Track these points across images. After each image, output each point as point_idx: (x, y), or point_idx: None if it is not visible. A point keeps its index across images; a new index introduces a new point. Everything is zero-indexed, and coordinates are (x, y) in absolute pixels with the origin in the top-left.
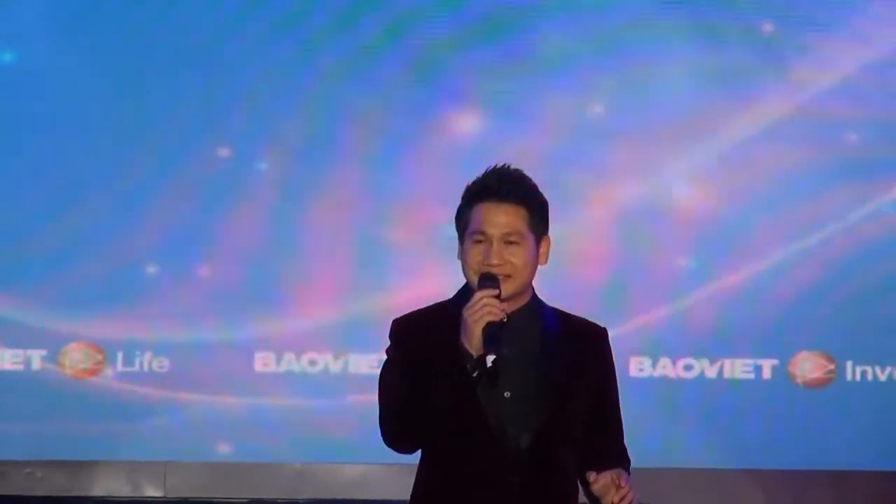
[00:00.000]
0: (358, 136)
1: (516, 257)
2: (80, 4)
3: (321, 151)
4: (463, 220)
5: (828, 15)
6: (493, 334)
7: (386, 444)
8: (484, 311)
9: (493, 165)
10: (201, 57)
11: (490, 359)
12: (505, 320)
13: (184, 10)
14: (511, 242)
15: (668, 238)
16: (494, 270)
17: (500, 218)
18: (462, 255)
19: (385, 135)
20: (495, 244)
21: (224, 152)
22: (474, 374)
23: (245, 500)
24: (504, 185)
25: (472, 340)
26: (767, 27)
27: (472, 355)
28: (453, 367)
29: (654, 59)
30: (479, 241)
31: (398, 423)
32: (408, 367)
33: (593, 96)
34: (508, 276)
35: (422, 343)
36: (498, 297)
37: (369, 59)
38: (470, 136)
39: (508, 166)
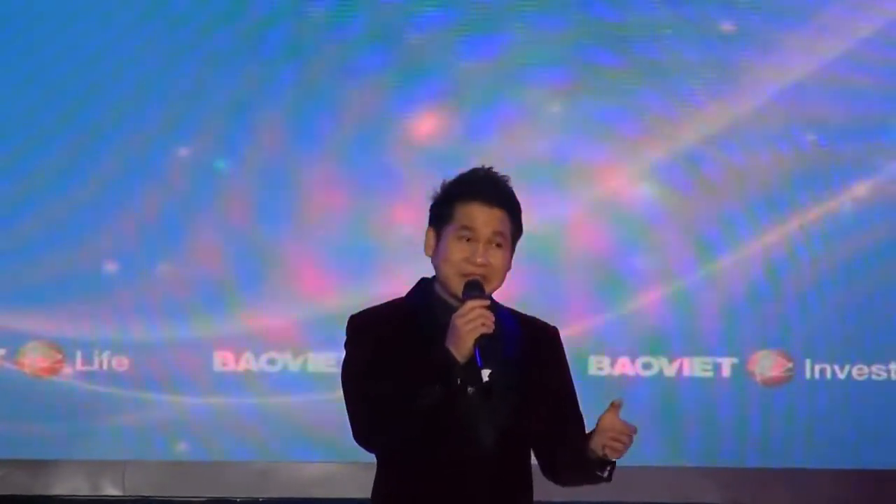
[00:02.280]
0: (316, 137)
1: (497, 259)
2: (42, 2)
3: (278, 151)
4: (445, 215)
5: (787, 15)
6: (488, 347)
7: (359, 443)
8: (478, 321)
9: (479, 167)
10: (160, 56)
11: (486, 373)
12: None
13: (143, 11)
14: (497, 244)
15: (628, 237)
16: (477, 271)
17: (491, 219)
18: (441, 249)
19: (343, 136)
20: (482, 244)
21: (183, 151)
22: (458, 381)
23: (205, 499)
24: (495, 191)
25: (462, 349)
26: (727, 27)
27: (458, 362)
28: (439, 372)
29: (612, 59)
30: (467, 239)
31: (378, 424)
32: (377, 364)
33: (550, 96)
34: (486, 279)
35: (385, 340)
36: (489, 307)
37: (327, 60)
38: (428, 138)
39: (494, 171)
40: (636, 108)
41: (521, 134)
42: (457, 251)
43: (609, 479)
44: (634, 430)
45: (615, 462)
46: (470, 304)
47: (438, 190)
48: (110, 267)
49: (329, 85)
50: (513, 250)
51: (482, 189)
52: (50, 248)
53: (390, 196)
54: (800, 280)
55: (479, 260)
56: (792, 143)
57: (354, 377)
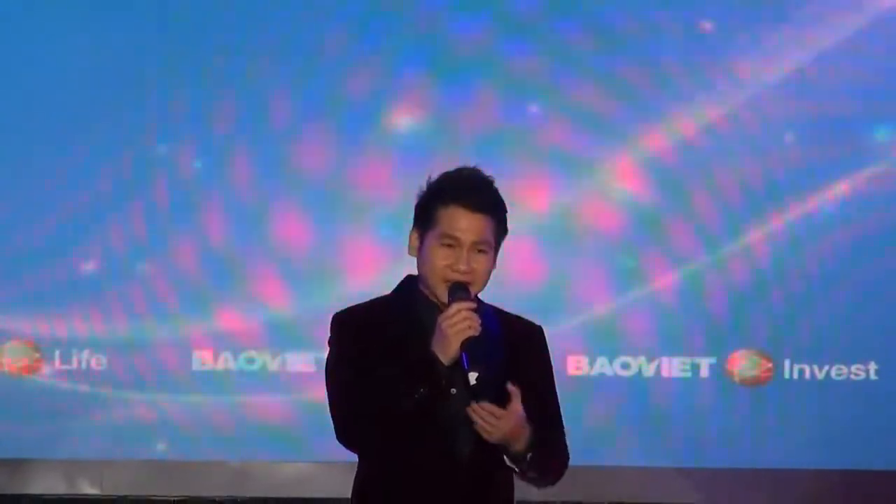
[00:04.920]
0: (292, 138)
1: (481, 265)
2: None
3: (257, 151)
4: (429, 218)
5: (766, 14)
6: (475, 350)
7: (341, 441)
8: (464, 324)
9: (464, 168)
10: (138, 55)
11: (473, 376)
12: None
13: (123, 10)
14: (479, 250)
15: (607, 237)
16: (460, 278)
17: (474, 226)
18: (424, 254)
19: (320, 133)
20: (465, 251)
21: (161, 150)
22: (443, 384)
23: (183, 498)
24: (479, 196)
25: (448, 352)
26: (706, 26)
27: (443, 365)
28: (424, 374)
29: (592, 58)
30: (449, 246)
31: (361, 424)
32: (362, 363)
33: (534, 94)
34: (470, 284)
35: (369, 338)
36: (475, 309)
37: (303, 58)
38: (407, 135)
39: (479, 171)
40: (615, 111)
41: (507, 132)
42: (439, 258)
43: (524, 474)
44: (501, 415)
45: (527, 458)
46: (456, 306)
47: (424, 186)
48: (89, 266)
49: (306, 86)
50: (497, 251)
51: (466, 194)
52: (28, 247)
53: (369, 196)
54: (779, 281)
55: (461, 268)
56: (771, 144)
57: (338, 376)
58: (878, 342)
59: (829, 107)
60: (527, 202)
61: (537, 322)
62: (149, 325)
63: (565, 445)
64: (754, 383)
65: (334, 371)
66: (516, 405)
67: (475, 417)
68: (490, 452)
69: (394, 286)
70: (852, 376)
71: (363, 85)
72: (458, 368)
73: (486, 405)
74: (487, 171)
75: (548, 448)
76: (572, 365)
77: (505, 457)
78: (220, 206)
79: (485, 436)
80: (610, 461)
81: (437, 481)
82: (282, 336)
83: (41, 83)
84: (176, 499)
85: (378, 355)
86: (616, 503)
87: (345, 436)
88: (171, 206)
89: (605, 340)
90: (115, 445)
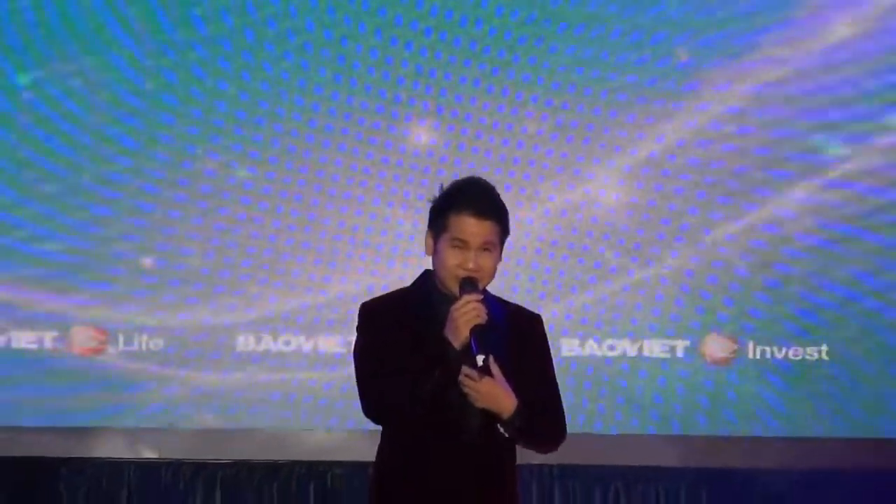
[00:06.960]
0: (326, 143)
1: (487, 262)
2: (77, 10)
3: (292, 156)
4: (442, 222)
5: (737, 39)
6: (484, 336)
7: (368, 417)
8: (473, 313)
9: (471, 178)
10: (187, 67)
11: (480, 358)
12: (486, 322)
13: (170, 22)
14: (486, 250)
15: (596, 233)
16: (470, 274)
17: (481, 230)
18: (438, 254)
19: (352, 141)
20: (473, 252)
21: (211, 159)
22: (454, 365)
23: (229, 461)
24: (485, 204)
25: (459, 338)
26: (682, 53)
27: (455, 350)
28: (439, 358)
29: (582, 76)
30: (459, 247)
31: (385, 403)
32: (385, 349)
33: (533, 106)
34: (478, 279)
35: (392, 325)
36: (482, 300)
37: (336, 71)
38: (422, 143)
39: (484, 181)
40: (598, 127)
41: (507, 140)
42: (451, 258)
43: (509, 435)
44: (476, 377)
45: (515, 424)
46: (465, 297)
47: (437, 194)
48: (148, 261)
49: (334, 92)
50: (502, 249)
51: (472, 202)
52: (96, 245)
53: (391, 196)
54: (746, 272)
55: (470, 266)
56: (740, 147)
57: (365, 362)
58: (828, 328)
59: (795, 114)
60: (528, 201)
61: (536, 311)
62: (200, 312)
63: (559, 420)
64: (723, 363)
65: (362, 357)
66: (493, 370)
67: (462, 380)
68: (494, 437)
69: (411, 277)
70: (807, 357)
71: (387, 93)
72: (468, 353)
73: (466, 369)
74: (495, 168)
75: (536, 419)
76: (565, 347)
77: (498, 425)
78: (262, 209)
79: (472, 400)
80: (598, 429)
81: (449, 452)
82: (315, 321)
83: (110, 94)
84: (223, 461)
85: (399, 342)
86: (604, 465)
87: (371, 413)
88: (221, 210)
89: (594, 325)
90: (170, 416)
